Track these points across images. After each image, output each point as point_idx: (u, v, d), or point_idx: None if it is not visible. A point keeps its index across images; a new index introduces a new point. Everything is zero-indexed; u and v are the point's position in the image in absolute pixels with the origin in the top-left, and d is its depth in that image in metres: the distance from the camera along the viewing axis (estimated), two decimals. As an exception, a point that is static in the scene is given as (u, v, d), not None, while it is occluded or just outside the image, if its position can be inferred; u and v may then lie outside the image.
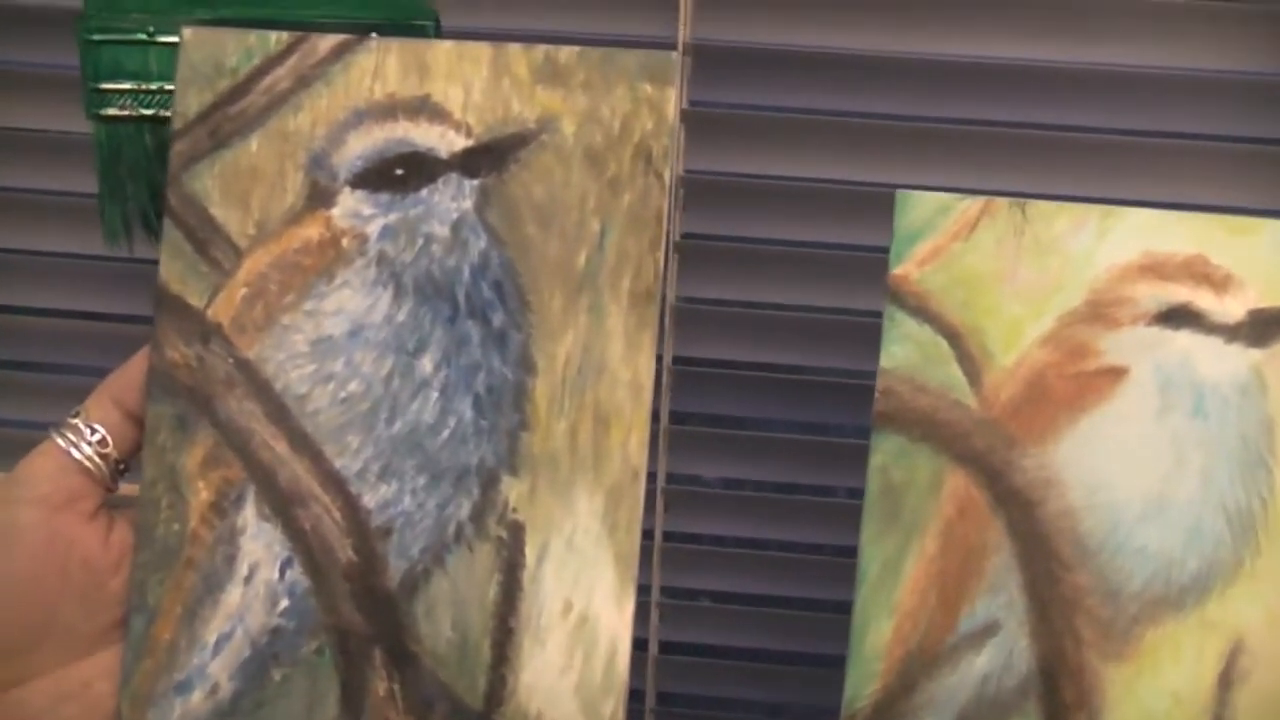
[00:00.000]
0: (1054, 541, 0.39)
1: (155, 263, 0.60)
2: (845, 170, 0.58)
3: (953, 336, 0.39)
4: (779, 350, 0.61)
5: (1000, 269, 0.39)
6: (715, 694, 0.68)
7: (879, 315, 0.57)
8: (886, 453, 0.40)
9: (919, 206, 0.40)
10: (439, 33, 0.48)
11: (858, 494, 0.62)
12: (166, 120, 0.49)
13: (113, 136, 0.49)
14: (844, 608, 0.62)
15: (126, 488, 0.42)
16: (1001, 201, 0.40)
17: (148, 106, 0.48)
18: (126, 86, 0.48)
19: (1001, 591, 0.39)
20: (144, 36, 0.48)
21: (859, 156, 0.58)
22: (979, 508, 0.39)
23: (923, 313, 0.39)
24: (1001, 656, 0.39)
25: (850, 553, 0.61)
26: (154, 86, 0.48)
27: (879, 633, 0.39)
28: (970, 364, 0.39)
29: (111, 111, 0.48)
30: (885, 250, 0.57)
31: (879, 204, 0.57)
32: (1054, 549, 0.39)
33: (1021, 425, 0.39)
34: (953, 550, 0.39)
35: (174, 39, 0.48)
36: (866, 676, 0.39)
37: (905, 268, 0.40)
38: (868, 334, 0.58)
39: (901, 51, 0.56)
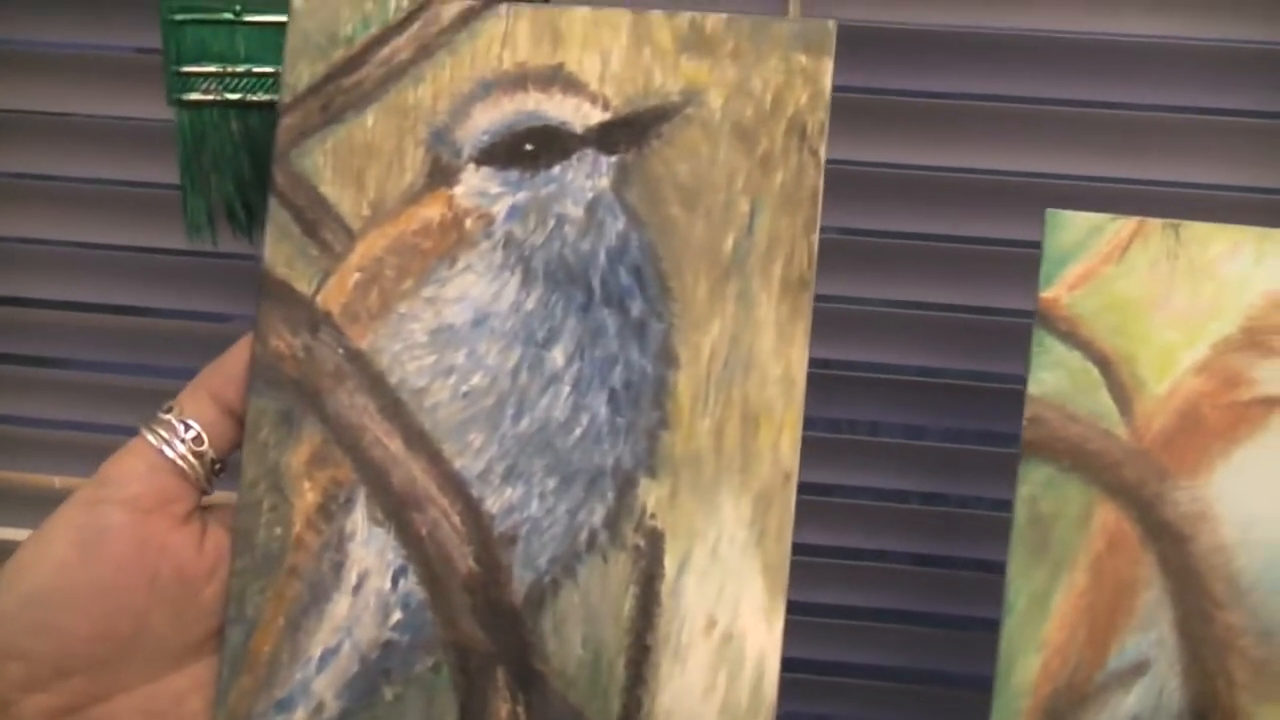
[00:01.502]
0: (1206, 578, 0.37)
1: (182, 253, 0.58)
2: (966, 158, 0.54)
3: (1103, 363, 0.38)
4: (901, 351, 0.58)
5: (1153, 294, 0.38)
6: (835, 714, 0.64)
7: (1001, 314, 0.55)
8: (1035, 483, 0.38)
9: (1070, 227, 0.38)
10: None
11: (984, 504, 0.60)
12: (254, 106, 0.46)
13: (196, 123, 0.46)
14: (966, 624, 0.60)
15: (222, 495, 0.39)
16: (1155, 223, 0.38)
17: (234, 91, 0.46)
18: (211, 70, 0.46)
19: (1152, 629, 0.37)
20: (230, 16, 0.45)
21: (984, 142, 0.54)
22: (1130, 541, 0.37)
23: (1073, 338, 0.38)
24: (1151, 697, 0.37)
25: (971, 566, 0.59)
26: (241, 69, 0.46)
27: (1026, 668, 0.37)
28: (1121, 392, 0.38)
29: (195, 97, 0.46)
30: (1009, 242, 0.55)
31: (1001, 193, 0.55)
32: (1206, 586, 0.37)
33: (1174, 456, 0.37)
34: (1103, 585, 0.37)
35: (263, 18, 0.45)
36: (1012, 713, 0.37)
37: (1055, 291, 0.38)
38: (987, 335, 0.56)
39: (1033, 29, 0.52)
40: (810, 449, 0.37)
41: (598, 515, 0.36)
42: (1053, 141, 0.54)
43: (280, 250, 0.38)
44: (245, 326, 0.58)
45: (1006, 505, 0.54)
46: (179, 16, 0.46)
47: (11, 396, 0.63)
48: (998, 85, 0.54)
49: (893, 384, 0.58)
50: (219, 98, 0.46)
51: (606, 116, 0.37)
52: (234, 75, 0.46)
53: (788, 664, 0.37)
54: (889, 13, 0.53)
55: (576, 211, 0.37)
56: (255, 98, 0.46)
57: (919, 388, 0.58)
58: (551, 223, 0.37)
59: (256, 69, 0.46)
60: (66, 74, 0.58)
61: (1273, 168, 0.52)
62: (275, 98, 0.44)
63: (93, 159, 0.59)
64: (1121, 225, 0.38)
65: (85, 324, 0.62)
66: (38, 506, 0.64)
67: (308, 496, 0.37)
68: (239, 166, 0.47)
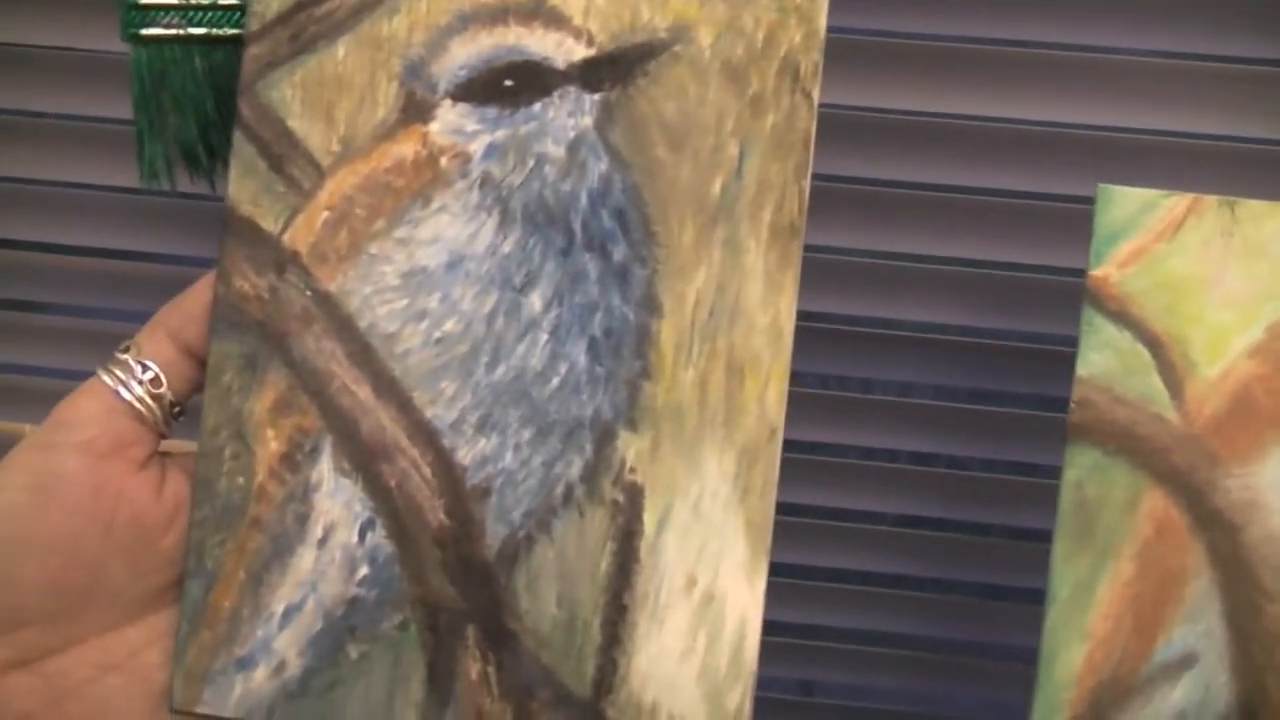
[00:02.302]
0: (1257, 569, 0.36)
1: (168, 194, 0.55)
2: (968, 105, 0.52)
3: (1154, 345, 0.37)
4: (905, 306, 0.56)
5: (1206, 273, 0.37)
6: (817, 678, 0.63)
7: (999, 268, 0.53)
8: (1080, 467, 0.36)
9: (1121, 203, 0.37)
10: None
11: (992, 466, 0.58)
12: (219, 41, 0.44)
13: (155, 60, 0.43)
14: (981, 590, 0.58)
15: (178, 443, 0.37)
16: (1210, 199, 0.37)
17: (198, 25, 0.43)
18: (173, 2, 0.42)
19: (1200, 620, 0.36)
20: None
21: (995, 90, 0.52)
22: (1178, 529, 0.36)
23: (1123, 318, 0.37)
24: (1199, 691, 0.36)
25: (968, 529, 0.58)
26: (206, 2, 0.43)
27: (1069, 660, 0.36)
28: (1172, 374, 0.37)
29: (155, 31, 0.42)
30: (1029, 195, 0.53)
31: (1019, 141, 0.53)
32: (1256, 577, 0.36)
33: (1225, 442, 0.36)
34: (1150, 574, 0.36)
35: (229, -56, 0.43)
36: (1054, 706, 0.36)
37: (1105, 269, 0.37)
38: (992, 288, 0.55)
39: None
40: (798, 405, 0.36)
41: (575, 468, 0.35)
42: (1047, 88, 0.52)
43: (245, 186, 0.36)
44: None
45: (998, 466, 0.53)
46: None
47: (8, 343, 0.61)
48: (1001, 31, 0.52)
49: (886, 339, 0.57)
50: (182, 33, 0.43)
51: (590, 53, 0.35)
52: (198, 8, 0.43)
53: (769, 627, 0.35)
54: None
55: (557, 151, 0.35)
56: (221, 32, 0.44)
57: (915, 343, 0.57)
58: (531, 162, 0.35)
59: (223, 1, 0.44)
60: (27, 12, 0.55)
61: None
62: (242, 32, 0.42)
63: (58, 95, 0.56)
64: (1175, 202, 0.37)
65: (65, 267, 0.60)
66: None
67: (271, 445, 0.36)
68: (202, 106, 0.44)
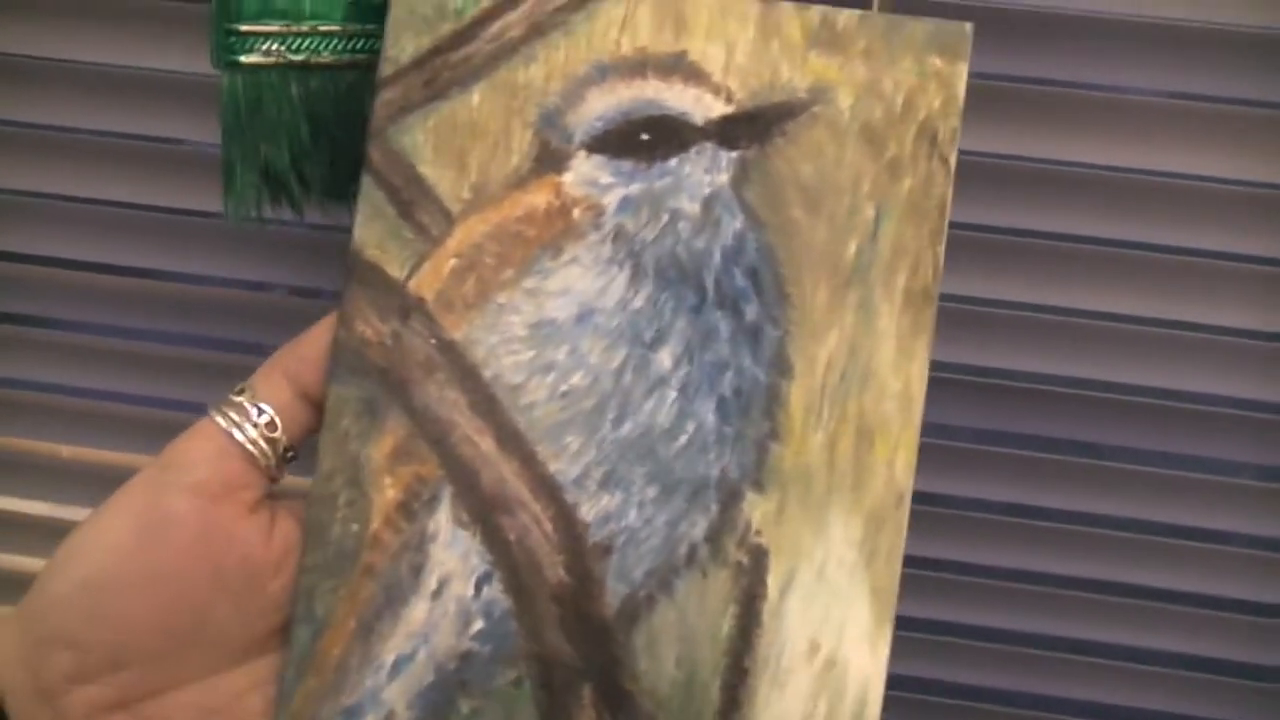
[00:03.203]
0: None
1: (195, 214, 0.54)
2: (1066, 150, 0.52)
3: None
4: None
5: None
6: None
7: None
8: None
9: None
10: None
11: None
12: (316, 67, 0.43)
13: (251, 88, 0.42)
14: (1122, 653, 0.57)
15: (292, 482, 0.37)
16: None
17: (298, 52, 0.41)
18: (274, 28, 0.41)
19: None
20: None
21: (1042, 132, 0.52)
22: None
23: None
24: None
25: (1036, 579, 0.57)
26: (305, 28, 0.41)
27: None
28: None
29: (254, 59, 0.41)
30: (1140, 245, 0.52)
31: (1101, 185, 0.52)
32: None
33: None
34: None
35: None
36: None
37: None
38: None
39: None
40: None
41: (699, 528, 0.34)
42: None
43: (372, 231, 0.36)
44: (255, 293, 0.55)
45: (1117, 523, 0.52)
46: None
47: (17, 358, 0.60)
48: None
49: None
50: (280, 60, 0.41)
51: (729, 110, 0.35)
52: (298, 34, 0.41)
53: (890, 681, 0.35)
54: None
55: (692, 207, 0.35)
56: (319, 59, 0.43)
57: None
58: (665, 218, 0.35)
59: (322, 26, 0.43)
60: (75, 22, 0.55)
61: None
62: (338, 59, 0.41)
63: (107, 110, 0.56)
64: None
65: (94, 285, 0.59)
66: (44, 475, 0.61)
67: (388, 492, 0.35)
68: (296, 134, 0.43)
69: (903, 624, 0.58)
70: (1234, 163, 0.50)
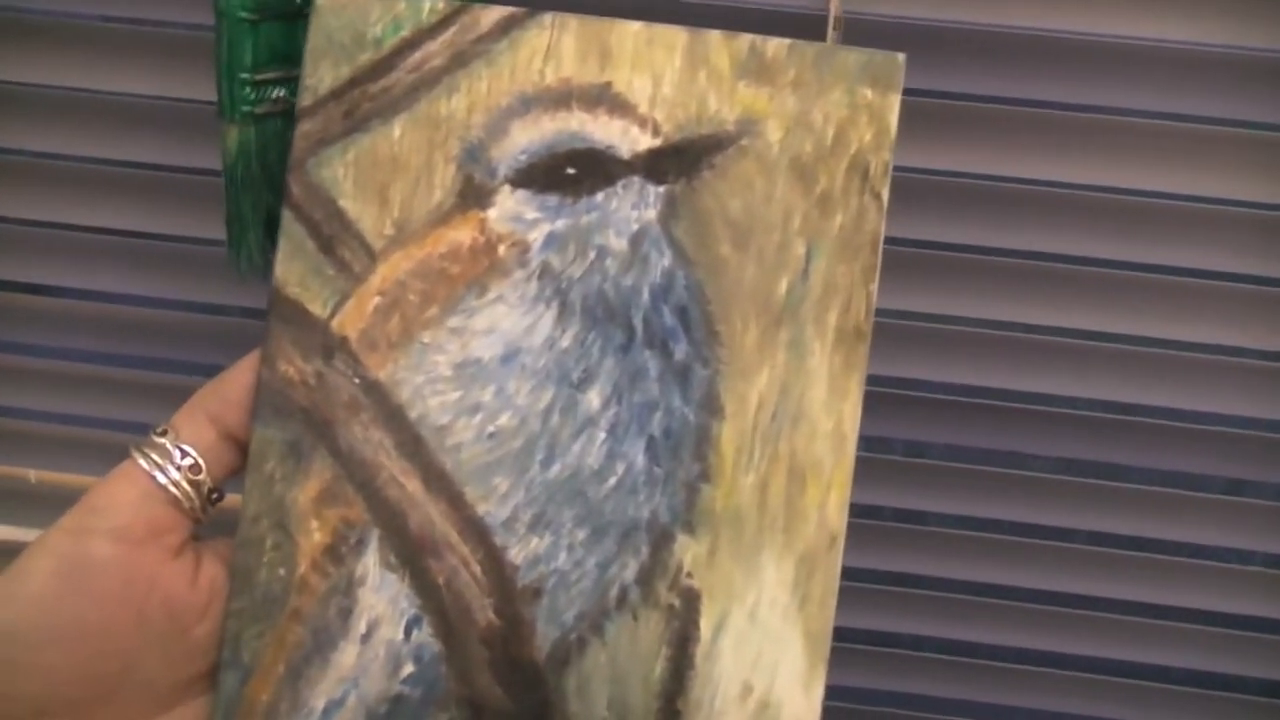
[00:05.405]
0: None
1: (166, 238, 0.52)
2: (1020, 168, 0.51)
3: None
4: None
5: None
6: None
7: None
8: None
9: None
10: None
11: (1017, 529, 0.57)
12: None
13: (260, 138, 0.39)
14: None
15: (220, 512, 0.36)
16: None
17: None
18: (277, 75, 0.38)
19: None
20: (299, 2, 0.38)
21: (1039, 153, 0.51)
22: None
23: None
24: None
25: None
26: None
27: None
28: None
29: (264, 109, 0.38)
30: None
31: (1038, 201, 0.51)
32: None
33: None
34: None
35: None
36: None
37: None
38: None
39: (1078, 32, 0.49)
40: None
41: (630, 571, 0.34)
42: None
43: (293, 267, 0.35)
44: (216, 317, 0.55)
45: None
46: (251, 15, 0.37)
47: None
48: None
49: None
50: (286, 106, 0.38)
51: (656, 143, 0.34)
52: (297, 78, 0.37)
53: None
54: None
55: (619, 244, 0.34)
56: None
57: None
58: (592, 254, 0.34)
59: None
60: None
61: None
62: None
63: (60, 134, 0.55)
64: None
65: (67, 311, 0.58)
66: (12, 500, 0.61)
67: (315, 536, 0.34)
68: None
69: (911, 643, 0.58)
70: (1222, 183, 0.50)
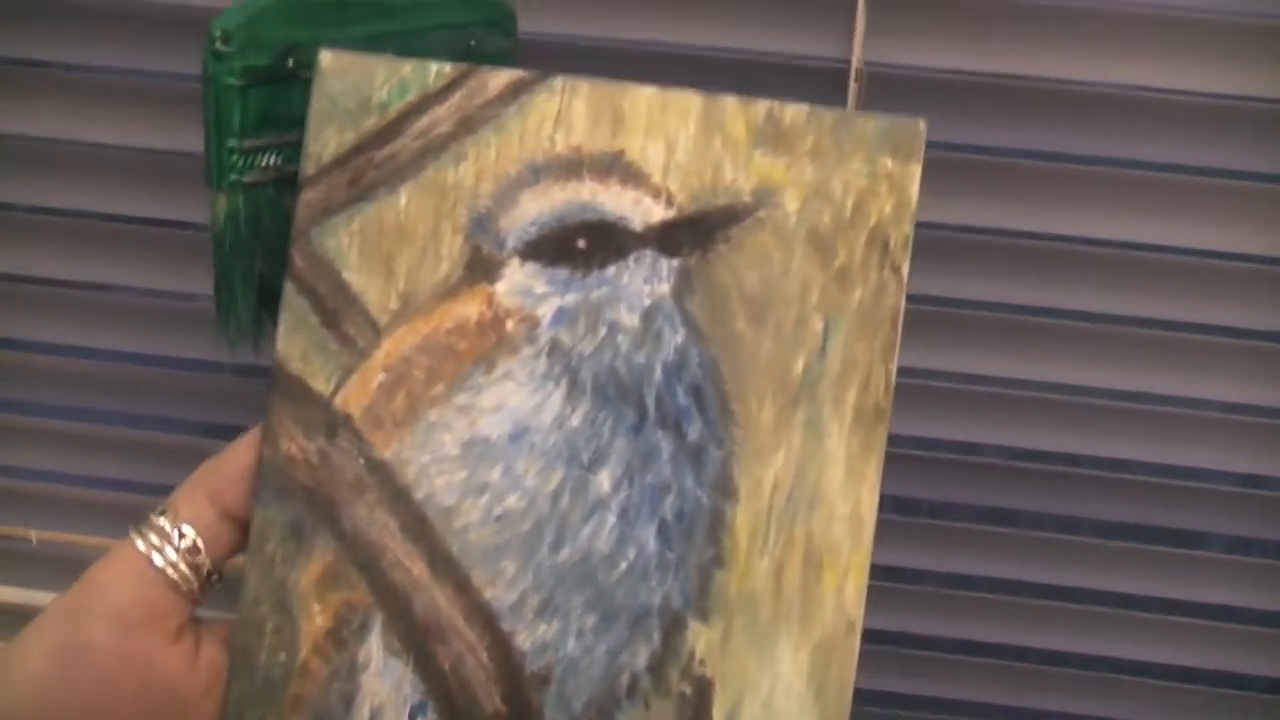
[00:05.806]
0: None
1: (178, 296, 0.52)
2: (1039, 221, 0.50)
3: None
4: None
5: None
6: None
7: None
8: None
9: None
10: (514, 33, 0.40)
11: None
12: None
13: (251, 206, 0.37)
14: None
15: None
16: None
17: (291, 162, 0.36)
18: (267, 141, 0.37)
19: None
20: (290, 66, 0.36)
21: (1053, 208, 0.50)
22: None
23: None
24: None
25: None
26: (295, 136, 0.36)
27: None
28: None
29: (252, 177, 0.36)
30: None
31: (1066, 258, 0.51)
32: None
33: None
34: None
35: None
36: None
37: None
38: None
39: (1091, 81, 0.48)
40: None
41: (641, 658, 0.33)
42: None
43: (295, 342, 0.34)
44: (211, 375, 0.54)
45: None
46: (240, 81, 0.35)
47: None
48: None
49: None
50: (277, 174, 0.37)
51: (669, 214, 0.33)
52: (288, 144, 0.36)
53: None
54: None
55: (631, 319, 0.33)
56: None
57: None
58: (603, 330, 0.33)
59: None
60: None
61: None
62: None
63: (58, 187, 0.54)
64: None
65: (67, 370, 0.57)
66: (13, 560, 0.60)
67: (317, 620, 0.33)
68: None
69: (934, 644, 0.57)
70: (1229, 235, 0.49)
